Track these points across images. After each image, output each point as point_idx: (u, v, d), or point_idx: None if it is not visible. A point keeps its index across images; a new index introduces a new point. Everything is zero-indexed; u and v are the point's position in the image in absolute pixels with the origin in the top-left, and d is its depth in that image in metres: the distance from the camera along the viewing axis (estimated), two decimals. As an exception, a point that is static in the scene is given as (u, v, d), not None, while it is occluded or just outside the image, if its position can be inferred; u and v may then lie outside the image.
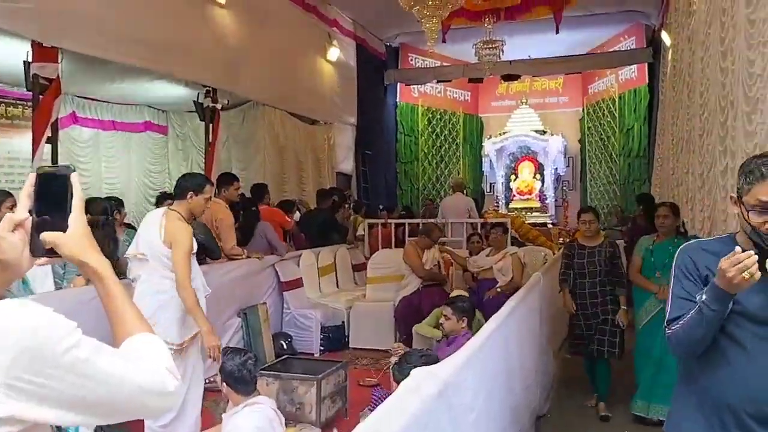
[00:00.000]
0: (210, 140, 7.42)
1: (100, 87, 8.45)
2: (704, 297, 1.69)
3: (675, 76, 8.24)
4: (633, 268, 4.60)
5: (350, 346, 6.43)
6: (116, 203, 5.15)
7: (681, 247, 1.89)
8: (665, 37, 9.42)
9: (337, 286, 7.40)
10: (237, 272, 5.49)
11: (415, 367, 2.83)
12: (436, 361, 2.87)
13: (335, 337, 6.40)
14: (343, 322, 6.53)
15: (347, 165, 11.27)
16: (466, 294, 5.06)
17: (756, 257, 1.59)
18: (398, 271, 6.42)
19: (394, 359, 4.16)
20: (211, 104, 7.34)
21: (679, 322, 1.76)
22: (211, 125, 7.42)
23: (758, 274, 1.60)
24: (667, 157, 9.05)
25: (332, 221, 7.73)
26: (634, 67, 12.69)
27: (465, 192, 9.93)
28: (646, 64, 12.01)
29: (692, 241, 1.98)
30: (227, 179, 5.67)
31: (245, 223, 6.11)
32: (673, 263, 1.86)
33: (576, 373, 5.40)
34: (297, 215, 7.53)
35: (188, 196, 3.55)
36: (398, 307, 6.07)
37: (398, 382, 2.89)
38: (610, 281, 4.58)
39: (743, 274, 1.58)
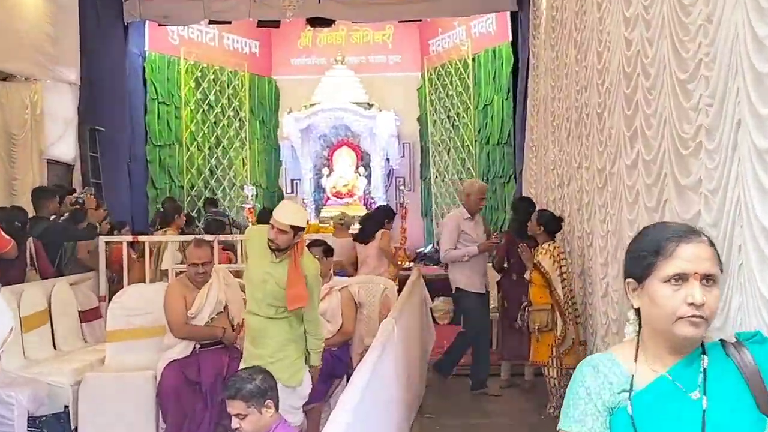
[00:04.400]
0: None
1: None
2: None
3: (555, 31, 8.78)
4: None
5: (79, 444, 5.95)
6: None
7: None
8: (539, -26, 10.04)
9: (55, 348, 6.95)
10: None
11: None
12: None
13: (53, 432, 5.92)
14: (66, 406, 6.05)
15: (65, 148, 10.63)
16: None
17: None
18: (160, 319, 6.03)
19: None
20: None
21: None
22: None
23: None
24: (544, 145, 9.62)
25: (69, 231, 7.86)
26: (492, 17, 13.40)
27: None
28: (509, 14, 12.70)
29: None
30: None
31: None
32: None
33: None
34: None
35: None
36: (162, 378, 5.69)
37: None
38: None
39: None
